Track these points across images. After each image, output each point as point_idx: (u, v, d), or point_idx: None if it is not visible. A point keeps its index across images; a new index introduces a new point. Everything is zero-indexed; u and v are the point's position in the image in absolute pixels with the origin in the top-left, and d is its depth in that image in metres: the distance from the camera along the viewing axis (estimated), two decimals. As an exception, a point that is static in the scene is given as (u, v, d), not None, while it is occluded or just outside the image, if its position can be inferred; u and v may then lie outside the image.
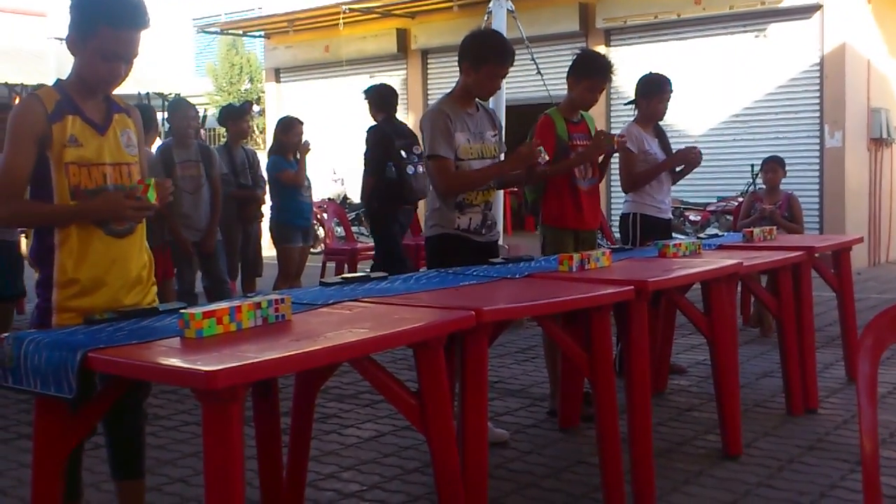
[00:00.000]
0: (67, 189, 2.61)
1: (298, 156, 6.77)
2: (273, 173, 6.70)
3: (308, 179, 6.94)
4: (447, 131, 4.00)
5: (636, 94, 5.47)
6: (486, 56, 4.02)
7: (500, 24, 7.57)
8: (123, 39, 2.61)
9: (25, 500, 2.50)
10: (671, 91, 5.42)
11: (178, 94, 15.15)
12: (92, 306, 2.63)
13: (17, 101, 9.75)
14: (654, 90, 5.38)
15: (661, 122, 5.58)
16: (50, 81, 2.97)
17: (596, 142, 4.68)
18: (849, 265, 5.45)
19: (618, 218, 5.72)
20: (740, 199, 9.06)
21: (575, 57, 4.75)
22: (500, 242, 4.54)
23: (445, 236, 4.11)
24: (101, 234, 2.66)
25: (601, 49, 12.02)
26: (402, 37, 14.53)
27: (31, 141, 2.59)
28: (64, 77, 2.74)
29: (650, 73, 5.52)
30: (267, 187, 6.92)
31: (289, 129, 6.83)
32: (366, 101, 6.93)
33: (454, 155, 4.02)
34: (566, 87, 4.76)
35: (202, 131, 7.05)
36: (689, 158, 5.37)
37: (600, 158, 4.89)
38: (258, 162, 6.98)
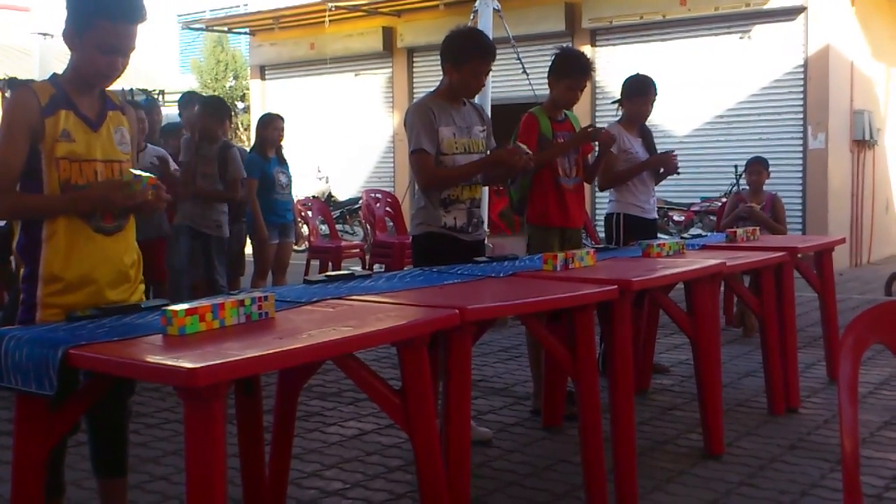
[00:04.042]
0: (58, 183, 2.59)
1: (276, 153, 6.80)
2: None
3: (289, 176, 6.93)
4: (430, 126, 3.99)
5: (621, 95, 5.50)
6: (467, 54, 4.01)
7: (486, 23, 7.57)
8: (121, 33, 2.60)
9: (5, 498, 2.48)
10: (656, 93, 5.45)
11: (162, 91, 15.07)
12: (76, 303, 2.61)
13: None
14: (638, 92, 5.41)
15: (645, 122, 5.61)
16: (34, 77, 2.96)
17: (583, 132, 4.71)
18: (831, 266, 5.49)
19: (602, 218, 5.75)
20: (724, 200, 9.10)
21: (554, 56, 4.75)
22: (486, 241, 4.55)
23: (432, 235, 4.09)
24: (90, 231, 2.65)
25: (587, 49, 12.04)
26: (388, 35, 14.51)
27: (23, 134, 2.57)
28: (47, 73, 2.72)
29: (636, 74, 5.55)
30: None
31: (267, 124, 6.87)
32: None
33: (437, 149, 4.01)
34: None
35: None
36: (666, 162, 5.42)
37: (595, 153, 4.92)
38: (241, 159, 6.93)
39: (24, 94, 2.64)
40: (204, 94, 8.38)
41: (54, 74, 2.73)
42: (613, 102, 5.73)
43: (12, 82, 5.76)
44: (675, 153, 5.51)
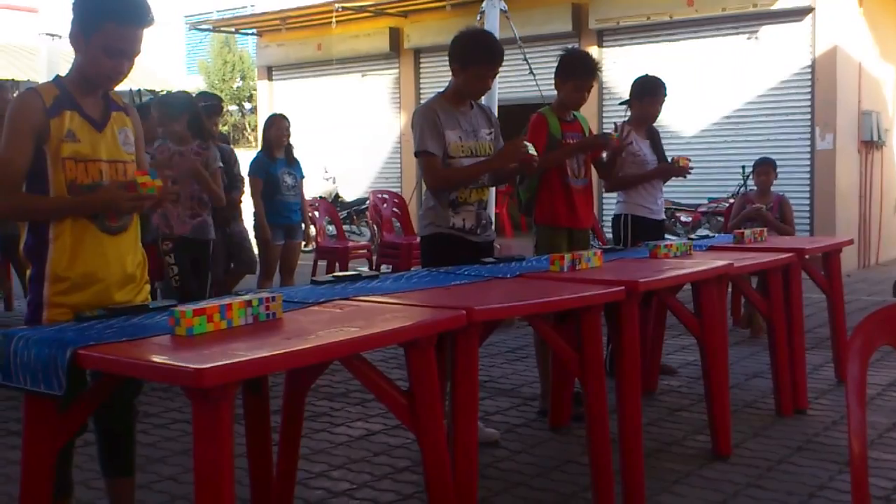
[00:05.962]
0: (64, 184, 2.61)
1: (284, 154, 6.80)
2: (247, 175, 6.70)
3: (296, 177, 6.91)
4: (435, 128, 4.00)
5: (630, 95, 5.49)
6: (473, 57, 4.01)
7: (492, 23, 7.57)
8: (127, 36, 2.62)
9: (14, 497, 2.49)
10: (665, 94, 5.44)
11: (169, 92, 15.08)
12: (83, 302, 2.62)
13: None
14: (648, 92, 5.40)
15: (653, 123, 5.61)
16: (41, 77, 2.97)
17: (594, 138, 4.72)
18: (839, 267, 5.47)
19: (610, 218, 5.75)
20: (731, 201, 9.09)
21: (560, 57, 4.75)
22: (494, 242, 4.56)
23: (441, 235, 4.09)
24: (95, 231, 2.67)
25: (594, 50, 12.04)
26: (395, 36, 14.52)
27: (28, 135, 2.59)
28: (54, 73, 2.74)
29: (646, 75, 5.54)
30: (246, 187, 6.83)
31: (271, 124, 6.86)
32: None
33: (443, 152, 4.01)
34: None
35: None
36: (676, 171, 5.42)
37: (604, 155, 4.93)
38: (235, 160, 6.79)
39: (28, 95, 2.66)
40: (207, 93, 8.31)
41: (58, 76, 2.75)
42: (622, 103, 5.73)
43: (11, 86, 5.75)
44: (688, 158, 5.47)
